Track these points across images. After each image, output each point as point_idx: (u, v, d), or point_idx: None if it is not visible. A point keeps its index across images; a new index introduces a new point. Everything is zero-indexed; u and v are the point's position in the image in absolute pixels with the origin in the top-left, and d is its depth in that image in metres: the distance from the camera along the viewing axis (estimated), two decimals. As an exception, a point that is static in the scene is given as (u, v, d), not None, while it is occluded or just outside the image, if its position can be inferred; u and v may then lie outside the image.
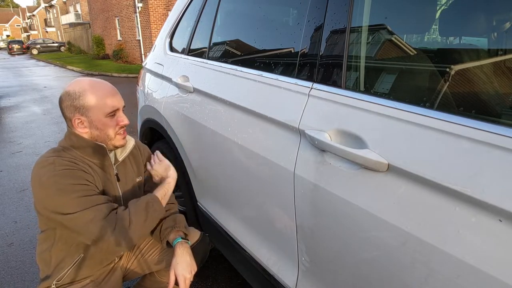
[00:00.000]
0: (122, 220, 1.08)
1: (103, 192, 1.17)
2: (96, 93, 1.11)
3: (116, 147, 1.20)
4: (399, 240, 0.73)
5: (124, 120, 1.17)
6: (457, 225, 0.64)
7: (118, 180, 1.24)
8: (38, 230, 2.34)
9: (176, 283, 1.18)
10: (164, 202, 1.23)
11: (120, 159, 1.24)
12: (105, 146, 1.16)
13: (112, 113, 1.14)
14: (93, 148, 1.14)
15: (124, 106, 1.20)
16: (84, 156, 1.14)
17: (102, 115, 1.12)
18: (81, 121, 1.12)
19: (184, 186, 1.77)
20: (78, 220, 1.04)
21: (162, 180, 1.29)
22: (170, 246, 1.30)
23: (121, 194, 1.24)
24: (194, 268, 1.21)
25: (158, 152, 1.36)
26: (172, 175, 1.29)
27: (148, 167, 1.33)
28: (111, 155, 1.21)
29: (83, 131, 1.13)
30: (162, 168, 1.30)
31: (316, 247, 0.99)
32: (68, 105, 1.11)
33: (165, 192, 1.24)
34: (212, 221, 1.55)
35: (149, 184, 1.39)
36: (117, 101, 1.15)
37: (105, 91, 1.13)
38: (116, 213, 1.10)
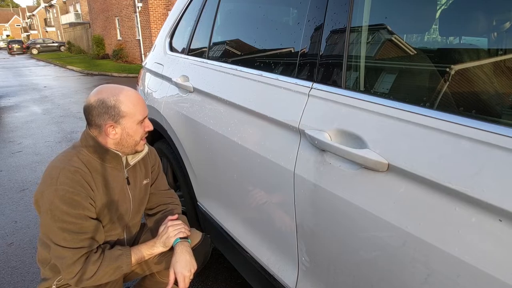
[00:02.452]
0: (85, 272, 1.09)
1: (114, 195, 1.18)
2: (129, 101, 1.13)
3: (137, 152, 1.22)
4: (399, 240, 0.73)
5: (150, 126, 1.20)
6: (457, 225, 0.64)
7: (129, 183, 1.25)
8: (38, 229, 2.34)
9: (176, 283, 1.18)
10: (137, 262, 1.22)
11: (131, 163, 1.24)
12: (120, 154, 1.17)
13: (143, 120, 1.17)
14: (108, 155, 1.16)
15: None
16: (97, 159, 1.14)
17: (135, 122, 1.14)
18: (113, 128, 1.12)
19: (184, 186, 1.77)
20: (53, 250, 1.09)
21: (158, 239, 1.25)
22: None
23: (131, 197, 1.25)
24: (194, 267, 1.21)
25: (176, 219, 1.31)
26: (164, 249, 1.25)
27: (164, 225, 1.27)
28: (123, 159, 1.21)
29: (113, 138, 1.14)
30: (170, 234, 1.25)
31: (316, 247, 0.99)
32: (101, 113, 1.10)
33: (142, 257, 1.22)
34: (212, 221, 1.55)
35: (155, 185, 1.39)
36: (146, 108, 1.19)
37: (138, 99, 1.16)
38: (86, 259, 1.10)
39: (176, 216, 1.32)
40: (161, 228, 1.26)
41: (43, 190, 1.06)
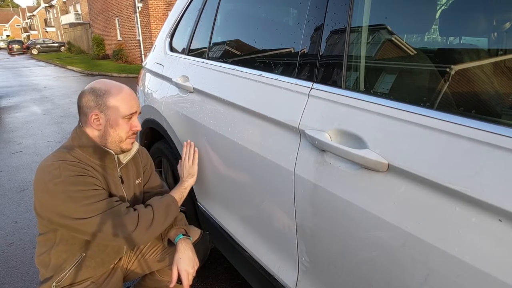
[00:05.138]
0: (145, 220, 1.14)
1: (110, 194, 1.18)
2: (119, 94, 1.14)
3: (123, 151, 1.21)
4: (399, 240, 0.73)
5: (137, 126, 1.20)
6: (457, 225, 0.64)
7: (122, 182, 1.24)
8: (38, 230, 2.34)
9: (178, 281, 1.18)
10: (179, 205, 1.30)
11: (124, 162, 1.24)
12: (113, 152, 1.17)
13: (129, 116, 1.16)
14: (100, 152, 1.15)
15: (140, 113, 1.24)
16: (90, 158, 1.14)
17: (120, 116, 1.14)
18: (97, 118, 1.13)
19: (184, 186, 1.77)
20: (100, 224, 1.07)
21: (183, 177, 1.40)
22: (171, 244, 1.30)
23: (125, 195, 1.25)
24: (196, 264, 1.22)
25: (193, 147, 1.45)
26: (193, 180, 1.40)
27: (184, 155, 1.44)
28: (115, 157, 1.21)
29: (97, 128, 1.14)
30: (190, 164, 1.41)
31: (316, 247, 0.99)
32: (89, 100, 1.13)
33: (181, 196, 1.33)
34: (212, 221, 1.55)
35: (149, 185, 1.39)
36: (136, 106, 1.18)
37: (128, 94, 1.17)
38: (135, 210, 1.15)
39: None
40: (179, 168, 1.45)
41: (47, 188, 1.03)
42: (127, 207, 1.14)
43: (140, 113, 1.24)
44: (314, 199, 0.94)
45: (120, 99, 1.14)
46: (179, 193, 1.34)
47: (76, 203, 1.04)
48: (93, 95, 1.13)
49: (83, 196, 1.05)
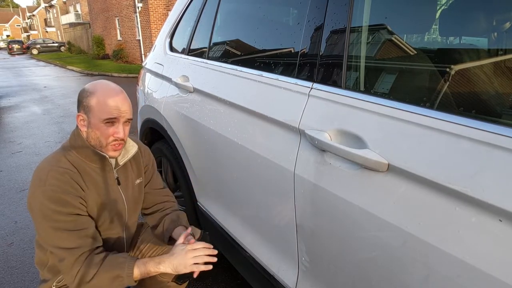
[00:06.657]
0: (85, 275, 1.05)
1: (105, 196, 1.17)
2: (102, 96, 1.09)
3: (110, 157, 1.16)
4: (399, 240, 0.73)
5: (118, 133, 1.11)
6: (457, 225, 0.64)
7: (119, 183, 1.24)
8: (38, 230, 2.35)
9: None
10: (141, 276, 1.10)
11: (121, 164, 1.23)
12: (107, 156, 1.15)
13: (109, 121, 1.10)
14: (94, 155, 1.14)
15: (129, 119, 1.15)
16: (85, 160, 1.14)
17: (99, 120, 1.09)
18: (82, 119, 1.12)
19: (184, 186, 1.77)
20: (53, 253, 1.09)
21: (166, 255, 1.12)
22: (172, 243, 1.29)
23: (123, 197, 1.24)
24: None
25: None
26: (174, 272, 1.09)
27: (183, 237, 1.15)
28: (112, 160, 1.20)
29: (83, 129, 1.14)
30: (187, 261, 1.08)
31: (316, 247, 0.99)
32: (79, 100, 1.13)
33: (148, 273, 1.10)
34: (212, 220, 1.55)
35: (150, 185, 1.39)
36: (118, 111, 1.10)
37: (112, 97, 1.10)
38: (86, 260, 1.05)
39: (189, 229, 1.18)
40: (178, 248, 1.10)
41: (33, 191, 1.06)
42: (83, 252, 1.06)
43: (130, 120, 1.15)
44: (314, 199, 0.94)
45: (102, 101, 1.09)
46: (144, 269, 1.08)
47: (44, 219, 1.04)
48: (81, 95, 1.11)
49: (52, 218, 1.04)
